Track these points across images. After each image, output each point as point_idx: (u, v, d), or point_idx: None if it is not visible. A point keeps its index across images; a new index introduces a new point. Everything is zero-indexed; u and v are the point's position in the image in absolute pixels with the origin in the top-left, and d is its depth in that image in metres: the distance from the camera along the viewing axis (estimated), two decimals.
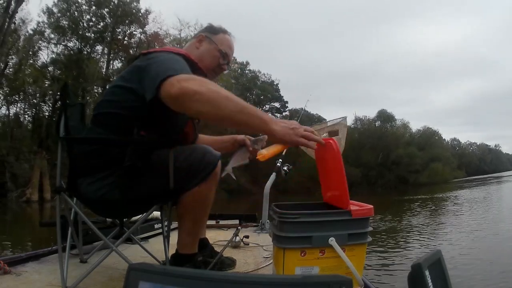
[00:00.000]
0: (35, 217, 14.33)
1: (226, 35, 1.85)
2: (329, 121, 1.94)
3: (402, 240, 8.36)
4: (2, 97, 23.80)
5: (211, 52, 1.78)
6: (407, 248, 7.38)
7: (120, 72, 2.33)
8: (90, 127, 1.55)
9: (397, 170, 46.11)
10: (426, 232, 9.10)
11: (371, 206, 1.40)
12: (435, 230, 9.51)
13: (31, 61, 25.55)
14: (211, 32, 1.82)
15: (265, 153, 1.39)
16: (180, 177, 1.46)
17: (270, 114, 1.39)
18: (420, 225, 10.42)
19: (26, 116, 26.27)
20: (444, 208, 15.84)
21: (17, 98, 24.97)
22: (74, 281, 1.43)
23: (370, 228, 1.40)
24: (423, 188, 37.09)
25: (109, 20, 28.03)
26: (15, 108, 25.42)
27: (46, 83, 25.15)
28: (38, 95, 25.25)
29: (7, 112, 24.79)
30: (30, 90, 24.90)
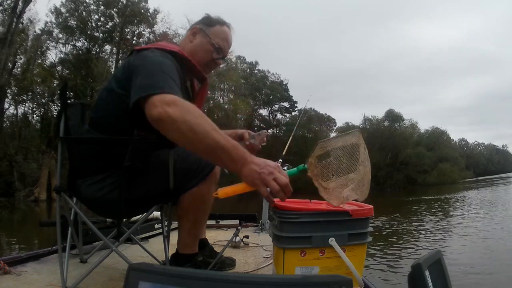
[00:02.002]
0: (42, 217, 14.41)
1: (224, 27, 1.74)
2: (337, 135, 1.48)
3: (403, 240, 8.32)
4: (10, 97, 24.02)
5: (204, 46, 1.68)
6: (408, 249, 7.35)
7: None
8: (88, 128, 1.53)
9: (406, 170, 45.88)
10: (428, 233, 9.05)
11: (371, 206, 1.40)
12: (437, 231, 9.43)
13: (39, 61, 25.73)
14: (207, 24, 1.72)
15: (221, 191, 1.21)
16: (179, 177, 1.46)
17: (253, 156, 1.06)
18: (423, 226, 10.37)
19: (35, 115, 26.58)
20: (450, 210, 15.69)
21: (25, 98, 25.21)
22: (74, 281, 1.43)
23: (370, 228, 1.40)
24: (431, 188, 36.89)
25: (117, 20, 28.13)
26: (23, 108, 25.72)
27: (54, 83, 25.29)
28: (46, 94, 25.44)
29: (15, 111, 25.12)
30: (39, 89, 25.08)
